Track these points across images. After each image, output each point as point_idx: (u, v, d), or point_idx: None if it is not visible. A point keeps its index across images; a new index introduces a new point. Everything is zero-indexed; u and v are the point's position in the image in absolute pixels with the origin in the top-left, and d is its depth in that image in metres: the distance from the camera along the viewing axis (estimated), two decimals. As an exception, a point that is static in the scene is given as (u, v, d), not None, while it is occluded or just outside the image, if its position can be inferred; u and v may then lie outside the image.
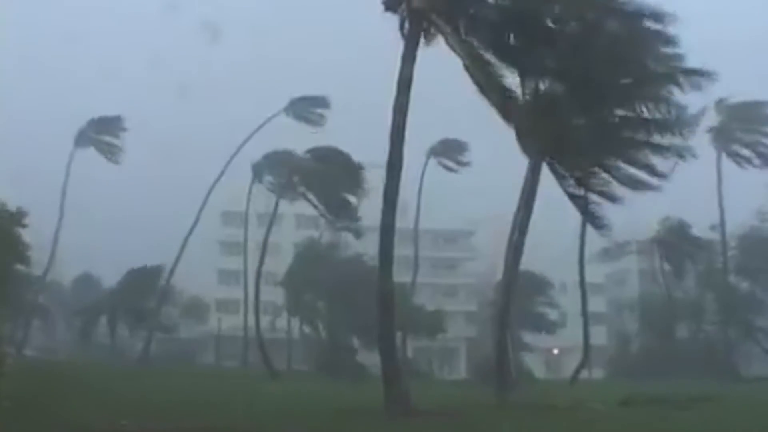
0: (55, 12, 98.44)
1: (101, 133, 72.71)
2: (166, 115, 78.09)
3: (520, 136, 28.58)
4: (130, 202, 77.58)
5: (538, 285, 64.75)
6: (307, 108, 70.56)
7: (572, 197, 30.88)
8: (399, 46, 26.30)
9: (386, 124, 25.71)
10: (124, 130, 72.59)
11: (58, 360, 58.33)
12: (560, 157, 30.29)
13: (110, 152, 72.75)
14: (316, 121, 70.19)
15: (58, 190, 70.17)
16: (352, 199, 60.42)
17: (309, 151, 60.90)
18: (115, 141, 72.87)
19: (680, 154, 31.20)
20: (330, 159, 60.05)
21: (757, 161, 64.54)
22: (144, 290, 70.03)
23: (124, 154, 72.69)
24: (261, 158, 63.30)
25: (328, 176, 59.07)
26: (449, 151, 74.17)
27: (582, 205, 31.50)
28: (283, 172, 61.61)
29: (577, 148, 30.81)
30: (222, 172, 67.66)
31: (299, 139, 64.17)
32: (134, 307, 68.86)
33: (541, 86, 30.41)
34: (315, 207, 61.38)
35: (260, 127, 69.14)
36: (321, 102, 70.38)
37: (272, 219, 60.48)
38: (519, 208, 34.64)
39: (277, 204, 60.72)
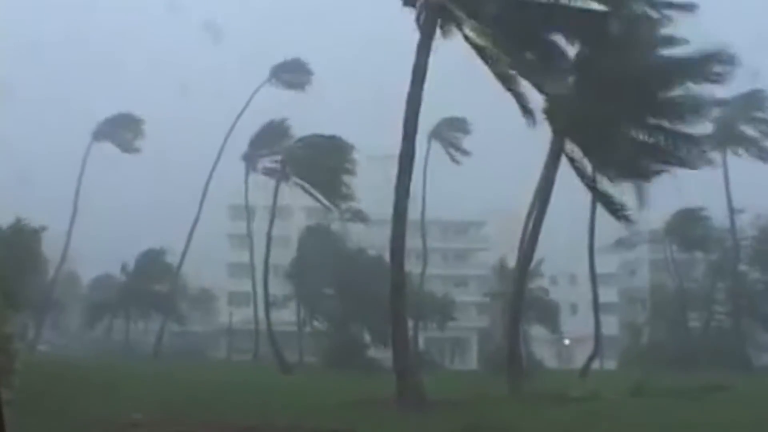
0: (56, 11, 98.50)
1: (119, 130, 73.29)
2: (171, 112, 78.20)
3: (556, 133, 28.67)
4: (140, 198, 77.77)
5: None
6: (289, 73, 69.89)
7: (594, 190, 31.03)
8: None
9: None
10: (141, 123, 73.13)
11: (71, 355, 58.54)
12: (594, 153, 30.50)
13: (128, 147, 73.30)
14: (299, 86, 69.53)
15: (64, 188, 70.69)
16: (347, 180, 59.55)
17: (300, 140, 59.90)
18: (133, 137, 73.50)
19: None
20: (320, 145, 59.29)
21: (755, 152, 64.49)
22: (155, 276, 70.65)
23: (142, 146, 73.30)
24: (248, 147, 62.91)
25: (319, 162, 58.33)
26: (452, 132, 73.47)
27: (604, 198, 31.63)
28: (275, 158, 60.79)
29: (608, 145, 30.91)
30: (217, 159, 67.56)
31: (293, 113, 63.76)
32: (147, 292, 69.50)
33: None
34: (311, 195, 60.50)
35: (247, 104, 68.76)
36: (300, 66, 69.70)
37: (273, 210, 59.70)
38: (536, 200, 34.79)
39: (276, 194, 59.99)
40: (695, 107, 31.48)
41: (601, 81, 30.03)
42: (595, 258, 53.68)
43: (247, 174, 62.71)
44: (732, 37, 33.57)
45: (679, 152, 31.34)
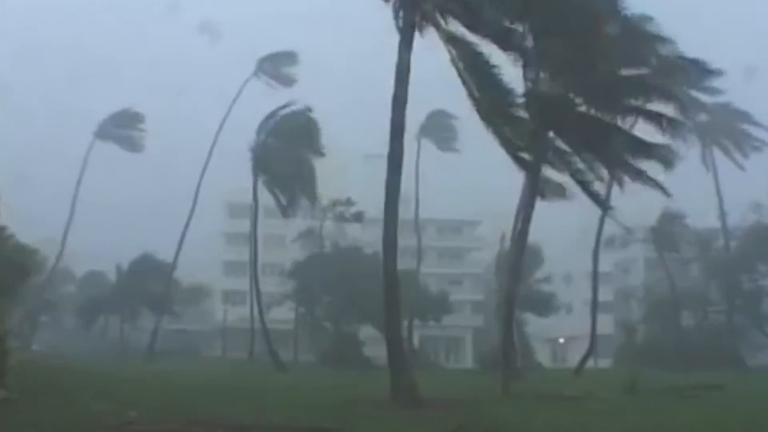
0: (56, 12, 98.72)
1: (121, 127, 73.36)
2: (171, 112, 78.34)
3: (511, 151, 28.29)
4: (138, 195, 77.92)
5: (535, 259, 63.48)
6: (275, 66, 69.68)
7: (580, 183, 30.88)
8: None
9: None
10: (142, 122, 73.31)
11: (65, 354, 58.52)
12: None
13: (131, 145, 73.40)
14: (286, 80, 69.45)
15: (63, 188, 70.86)
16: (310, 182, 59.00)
17: (274, 124, 58.85)
18: (135, 134, 73.58)
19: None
20: (290, 133, 58.04)
21: (738, 155, 65.31)
22: (149, 274, 70.64)
23: (144, 146, 73.47)
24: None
25: (285, 158, 57.58)
26: (439, 128, 73.32)
27: (592, 192, 31.49)
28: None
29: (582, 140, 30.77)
30: (209, 157, 67.64)
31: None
32: (141, 290, 69.52)
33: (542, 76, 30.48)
34: (276, 200, 59.73)
35: (237, 96, 68.91)
36: (289, 58, 69.67)
37: (255, 209, 58.98)
38: (523, 199, 34.72)
39: (255, 192, 59.27)
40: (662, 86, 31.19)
41: (573, 68, 29.88)
42: (591, 257, 53.94)
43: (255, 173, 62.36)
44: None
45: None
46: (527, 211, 32.38)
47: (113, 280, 73.75)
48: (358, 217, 65.89)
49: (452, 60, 26.55)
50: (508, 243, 46.42)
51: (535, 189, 31.57)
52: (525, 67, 29.09)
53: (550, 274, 66.24)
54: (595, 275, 54.12)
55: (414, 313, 57.14)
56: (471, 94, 26.95)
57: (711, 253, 68.66)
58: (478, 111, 27.28)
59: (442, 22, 26.62)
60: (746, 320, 65.89)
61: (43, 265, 59.26)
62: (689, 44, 34.12)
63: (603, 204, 33.06)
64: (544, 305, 63.74)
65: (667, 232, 67.62)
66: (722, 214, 66.70)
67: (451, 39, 26.40)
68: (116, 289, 71.44)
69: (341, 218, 67.01)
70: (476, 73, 26.47)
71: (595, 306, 53.61)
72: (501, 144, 27.27)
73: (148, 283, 69.98)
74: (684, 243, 68.10)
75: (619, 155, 31.24)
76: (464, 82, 26.86)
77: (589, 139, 30.93)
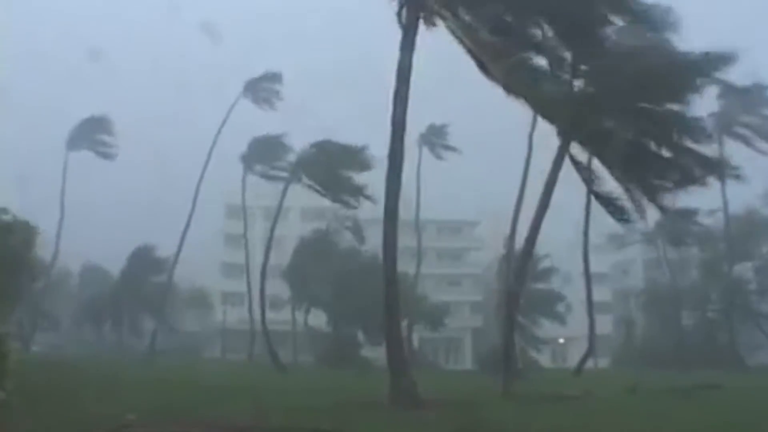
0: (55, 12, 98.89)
1: (93, 133, 73.11)
2: (170, 114, 78.26)
3: (553, 122, 28.36)
4: (135, 199, 77.82)
5: (542, 270, 63.57)
6: (262, 87, 69.99)
7: (594, 192, 30.75)
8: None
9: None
10: (112, 127, 73.25)
11: (64, 355, 58.48)
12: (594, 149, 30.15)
13: (104, 151, 73.25)
14: (270, 99, 69.62)
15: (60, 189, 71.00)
16: (357, 179, 59.04)
17: (313, 145, 59.59)
18: (108, 139, 73.41)
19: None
20: (330, 148, 58.85)
21: (759, 142, 63.87)
22: (148, 276, 70.57)
23: (118, 152, 73.40)
24: (247, 148, 63.07)
25: (330, 163, 58.08)
26: (439, 137, 73.66)
27: (606, 200, 31.30)
28: (281, 161, 60.74)
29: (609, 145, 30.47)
30: (208, 159, 67.65)
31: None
32: (140, 292, 69.48)
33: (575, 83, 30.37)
34: (323, 195, 60.19)
35: (228, 113, 69.03)
36: (275, 78, 69.83)
37: (278, 212, 59.54)
38: (520, 201, 34.54)
39: (283, 195, 59.57)
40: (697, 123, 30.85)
41: (605, 80, 29.68)
42: (592, 257, 53.85)
43: (244, 175, 62.42)
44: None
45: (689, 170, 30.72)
46: (542, 206, 31.83)
47: (113, 275, 73.82)
48: (357, 228, 66.05)
49: (468, 52, 26.54)
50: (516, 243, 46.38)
51: (553, 184, 31.06)
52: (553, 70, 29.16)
53: (555, 272, 66.23)
54: (587, 274, 53.92)
55: (412, 318, 57.27)
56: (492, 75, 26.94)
57: (710, 252, 68.50)
58: (505, 88, 27.28)
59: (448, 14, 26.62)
60: (745, 319, 65.85)
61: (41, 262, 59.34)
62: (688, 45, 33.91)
63: (625, 218, 32.50)
64: (550, 307, 63.90)
65: (672, 228, 67.00)
66: (725, 210, 66.31)
67: (461, 28, 26.41)
68: (116, 291, 71.42)
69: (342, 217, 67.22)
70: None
71: (590, 306, 53.50)
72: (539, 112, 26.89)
73: (148, 287, 69.97)
74: (691, 239, 67.41)
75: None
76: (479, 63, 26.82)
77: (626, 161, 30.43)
